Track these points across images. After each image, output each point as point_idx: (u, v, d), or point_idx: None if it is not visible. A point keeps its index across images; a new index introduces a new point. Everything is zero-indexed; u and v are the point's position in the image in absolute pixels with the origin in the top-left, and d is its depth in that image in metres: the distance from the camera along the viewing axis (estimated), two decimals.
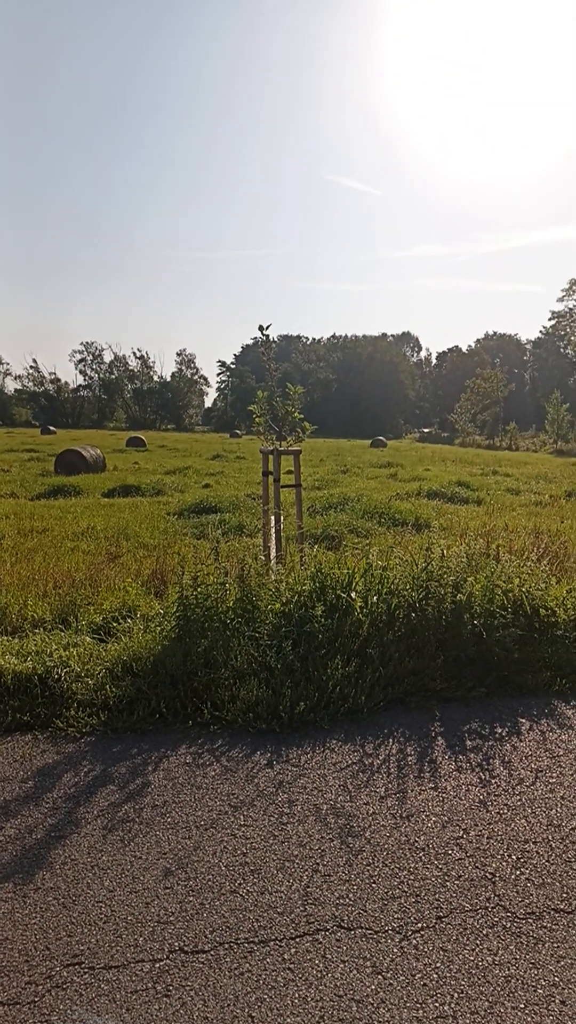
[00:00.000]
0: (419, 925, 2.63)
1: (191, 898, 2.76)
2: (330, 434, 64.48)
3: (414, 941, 2.55)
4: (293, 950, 2.49)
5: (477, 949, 2.53)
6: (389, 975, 2.39)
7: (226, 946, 2.51)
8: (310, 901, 2.74)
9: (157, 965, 2.43)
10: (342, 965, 2.43)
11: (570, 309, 63.55)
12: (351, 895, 2.78)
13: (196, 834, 3.16)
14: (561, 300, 66.79)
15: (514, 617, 5.44)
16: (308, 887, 2.82)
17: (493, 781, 3.68)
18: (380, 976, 2.39)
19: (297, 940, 2.53)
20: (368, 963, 2.44)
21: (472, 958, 2.48)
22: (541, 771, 3.81)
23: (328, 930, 2.59)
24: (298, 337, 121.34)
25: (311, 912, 2.68)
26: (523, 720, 4.45)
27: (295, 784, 3.57)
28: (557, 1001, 2.32)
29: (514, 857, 3.05)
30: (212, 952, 2.49)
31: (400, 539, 8.72)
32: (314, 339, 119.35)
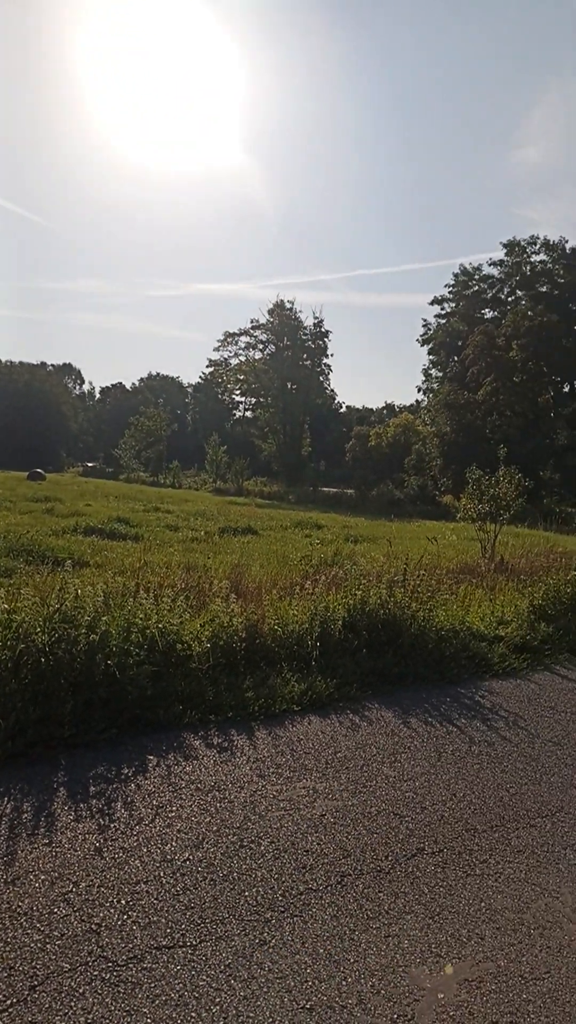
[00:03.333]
0: (8, 1003, 2.43)
1: None
2: None
3: None
4: None
5: (70, 1012, 2.41)
6: None
7: None
8: None
9: None
10: None
11: (225, 359, 68.83)
12: None
13: None
14: (217, 350, 71.85)
15: (149, 654, 5.52)
16: None
17: (112, 825, 3.63)
18: None
19: None
20: None
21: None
22: (162, 807, 3.87)
23: None
24: None
25: None
26: (151, 757, 4.49)
27: None
28: None
29: (123, 902, 3.02)
30: None
31: (42, 579, 8.34)
32: None
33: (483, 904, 3.21)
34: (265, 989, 2.60)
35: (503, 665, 7.04)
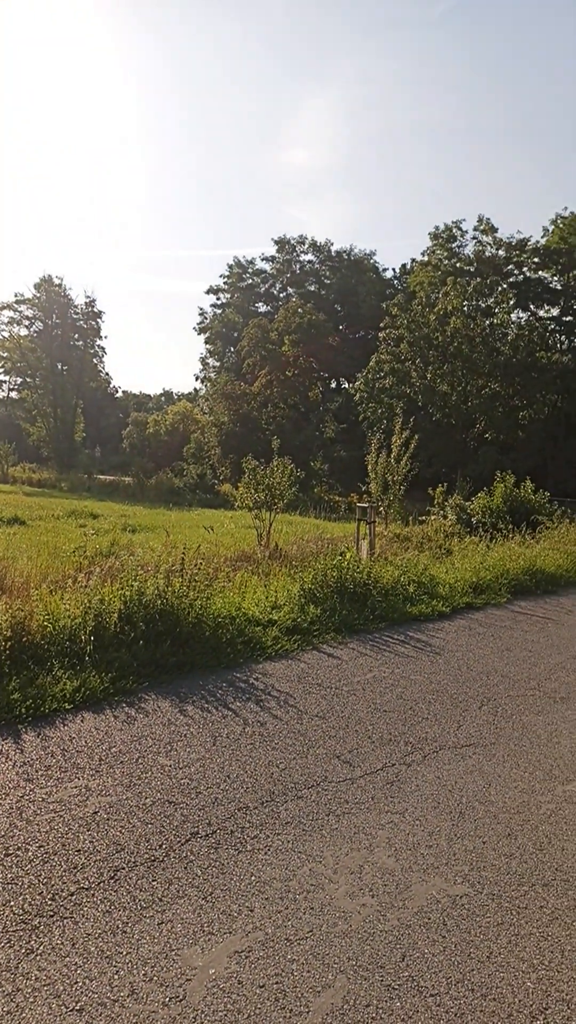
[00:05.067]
0: None
1: None
2: None
3: None
4: None
5: None
6: None
7: None
8: None
9: None
10: None
11: None
12: None
13: None
14: None
15: None
16: None
17: None
18: None
19: None
20: None
21: None
22: None
23: None
24: None
25: None
26: None
27: None
28: None
29: None
30: None
31: None
32: None
33: (253, 878, 3.37)
34: (31, 999, 2.51)
35: (276, 648, 7.38)
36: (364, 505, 13.44)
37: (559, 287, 51.74)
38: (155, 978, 2.67)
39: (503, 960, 2.91)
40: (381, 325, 49.10)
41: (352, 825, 3.94)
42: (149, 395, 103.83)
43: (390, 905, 3.23)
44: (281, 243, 68.25)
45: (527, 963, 2.90)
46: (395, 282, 66.99)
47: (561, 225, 50.57)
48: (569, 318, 52.52)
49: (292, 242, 68.12)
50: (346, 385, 59.99)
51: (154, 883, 3.28)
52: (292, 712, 5.65)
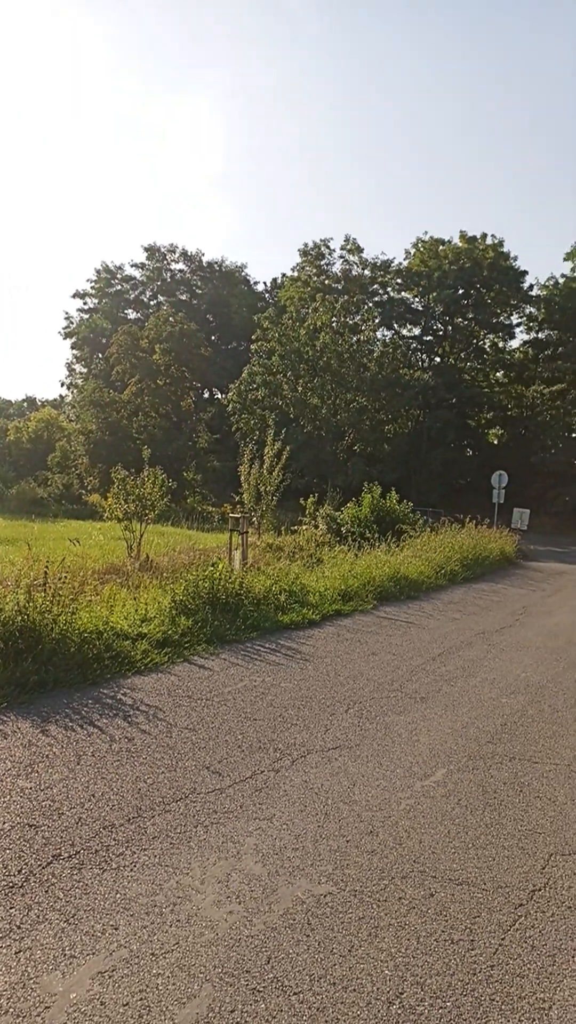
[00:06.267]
0: None
1: None
2: None
3: None
4: None
5: None
6: None
7: None
8: None
9: None
10: None
11: None
12: None
13: None
14: None
15: None
16: None
17: None
18: None
19: None
20: None
21: None
22: None
23: None
24: None
25: None
26: None
27: None
28: None
29: None
30: None
31: None
32: None
33: (119, 895, 3.32)
34: None
35: (145, 661, 7.28)
36: (237, 516, 13.54)
37: (420, 308, 54.46)
38: (11, 1010, 2.56)
39: (363, 952, 3.03)
40: (253, 337, 49.64)
41: (220, 834, 3.97)
42: (10, 401, 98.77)
43: (256, 910, 3.28)
44: (151, 250, 67.41)
45: (385, 952, 3.04)
46: (266, 295, 67.90)
47: (421, 249, 53.29)
48: (429, 338, 55.40)
49: (163, 250, 67.50)
50: (219, 395, 60.07)
51: (12, 911, 3.15)
52: (161, 726, 5.60)
